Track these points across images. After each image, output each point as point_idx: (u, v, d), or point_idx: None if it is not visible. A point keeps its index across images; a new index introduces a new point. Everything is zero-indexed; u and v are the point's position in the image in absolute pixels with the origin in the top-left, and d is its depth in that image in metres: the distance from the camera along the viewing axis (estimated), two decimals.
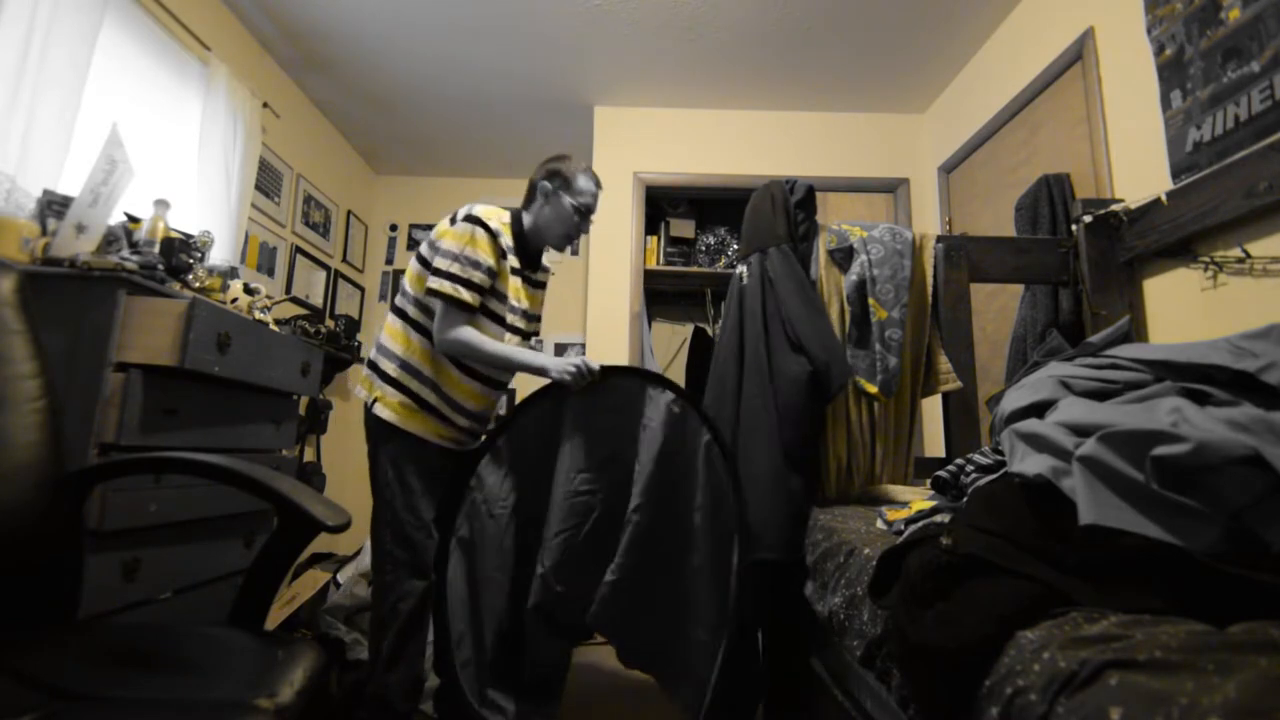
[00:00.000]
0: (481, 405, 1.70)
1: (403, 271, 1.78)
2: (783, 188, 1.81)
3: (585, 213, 1.72)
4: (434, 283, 1.54)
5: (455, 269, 1.54)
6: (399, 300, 1.67)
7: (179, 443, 1.51)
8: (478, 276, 1.55)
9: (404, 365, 1.61)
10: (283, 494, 0.98)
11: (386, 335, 1.66)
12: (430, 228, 1.68)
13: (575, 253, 3.99)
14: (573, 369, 1.61)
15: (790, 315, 1.63)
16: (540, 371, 1.63)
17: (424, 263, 1.61)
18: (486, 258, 1.57)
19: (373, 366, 1.64)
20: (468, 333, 1.56)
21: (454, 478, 1.68)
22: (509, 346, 1.63)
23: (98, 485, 1.30)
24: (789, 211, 1.78)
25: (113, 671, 0.84)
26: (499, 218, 1.64)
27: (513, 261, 1.66)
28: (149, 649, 0.92)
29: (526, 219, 1.72)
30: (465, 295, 1.54)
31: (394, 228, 4.04)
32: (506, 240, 1.64)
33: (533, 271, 1.76)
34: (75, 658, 0.85)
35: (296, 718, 0.80)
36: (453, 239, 1.57)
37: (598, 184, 1.76)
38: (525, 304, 1.73)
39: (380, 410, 1.58)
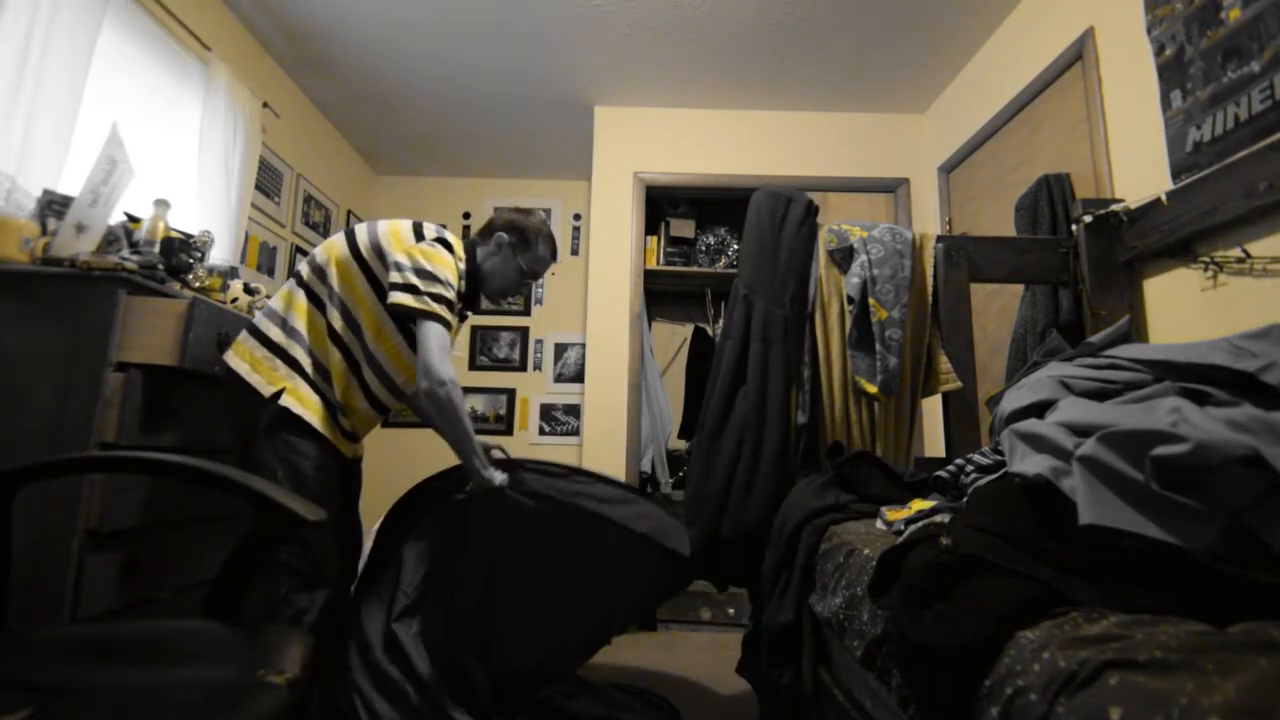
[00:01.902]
0: (366, 430, 1.63)
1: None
2: (789, 221, 1.81)
3: (531, 277, 1.70)
4: (411, 301, 1.44)
5: (438, 289, 1.46)
6: (317, 289, 1.51)
7: (179, 443, 1.51)
8: (454, 298, 1.51)
9: (317, 366, 1.49)
10: (258, 491, 0.98)
11: (297, 317, 1.49)
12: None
13: (575, 252, 3.99)
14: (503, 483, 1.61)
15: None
16: (486, 482, 1.58)
17: (362, 264, 1.51)
18: (456, 285, 1.52)
19: (277, 349, 1.47)
20: (456, 376, 1.48)
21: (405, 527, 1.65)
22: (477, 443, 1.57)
23: (96, 485, 1.31)
24: (790, 259, 1.78)
25: (103, 666, 0.83)
26: (460, 250, 1.59)
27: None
28: (136, 643, 0.92)
29: (479, 255, 1.66)
30: (451, 318, 1.49)
31: None
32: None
33: (470, 307, 1.71)
34: (58, 658, 0.84)
35: (306, 690, 0.80)
36: (429, 258, 1.48)
37: (554, 254, 1.73)
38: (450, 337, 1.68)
39: (293, 404, 1.43)
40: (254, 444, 1.44)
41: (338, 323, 1.51)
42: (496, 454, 1.73)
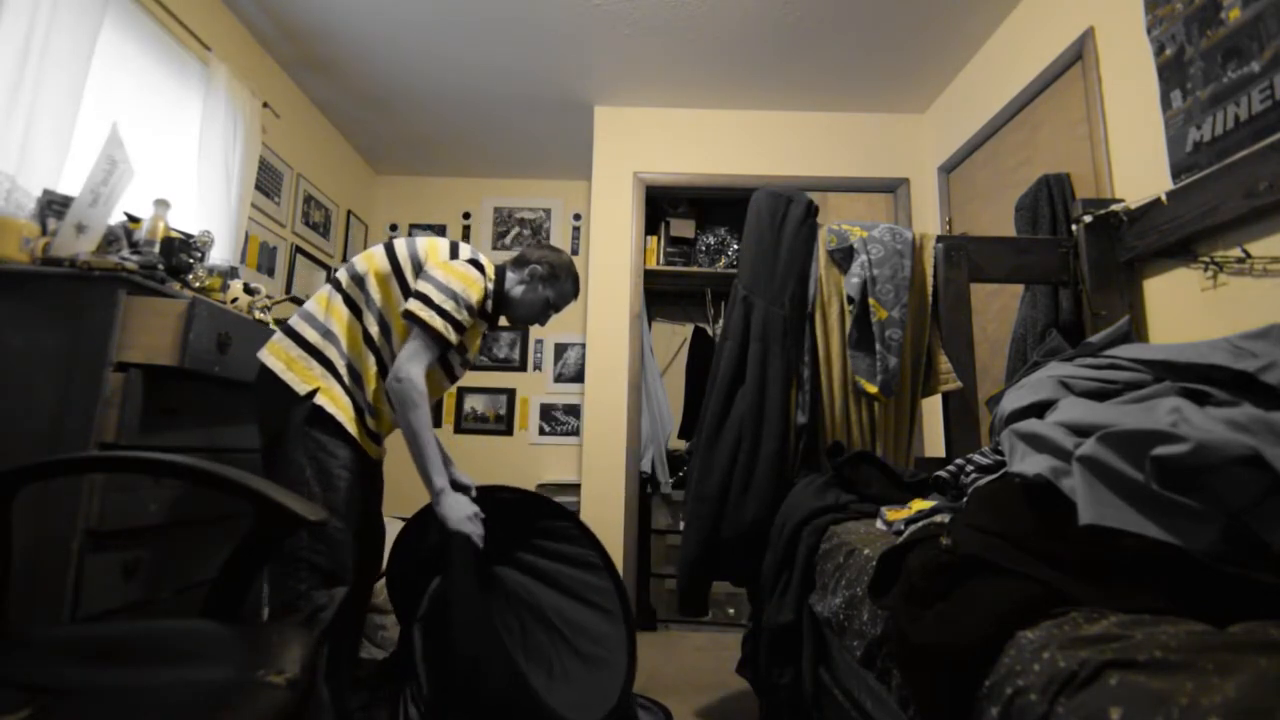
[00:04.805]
0: (389, 433, 1.64)
1: None
2: (789, 221, 1.82)
3: (554, 309, 1.77)
4: (420, 310, 1.49)
5: (450, 307, 1.51)
6: (355, 296, 1.57)
7: (179, 443, 1.51)
8: (465, 320, 1.55)
9: (351, 369, 1.53)
10: (259, 491, 0.97)
11: (335, 322, 1.54)
12: (430, 229, 1.65)
13: (575, 252, 3.99)
14: (476, 531, 1.52)
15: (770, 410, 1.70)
16: (441, 516, 1.51)
17: (401, 279, 1.57)
18: (475, 307, 1.57)
19: (312, 350, 1.51)
20: (424, 386, 1.49)
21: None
22: (435, 448, 1.53)
23: (96, 485, 1.31)
24: (790, 260, 1.79)
25: (103, 666, 0.83)
26: (491, 273, 1.66)
27: (486, 308, 1.67)
28: (136, 643, 0.91)
29: (508, 281, 1.72)
30: (452, 337, 1.52)
31: (394, 228, 4.03)
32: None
33: (490, 327, 1.79)
34: (58, 658, 0.84)
35: (306, 690, 0.80)
36: (457, 277, 1.54)
37: (577, 291, 1.79)
38: (471, 353, 1.74)
39: (326, 404, 1.46)
40: (282, 441, 1.46)
41: (374, 330, 1.56)
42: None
